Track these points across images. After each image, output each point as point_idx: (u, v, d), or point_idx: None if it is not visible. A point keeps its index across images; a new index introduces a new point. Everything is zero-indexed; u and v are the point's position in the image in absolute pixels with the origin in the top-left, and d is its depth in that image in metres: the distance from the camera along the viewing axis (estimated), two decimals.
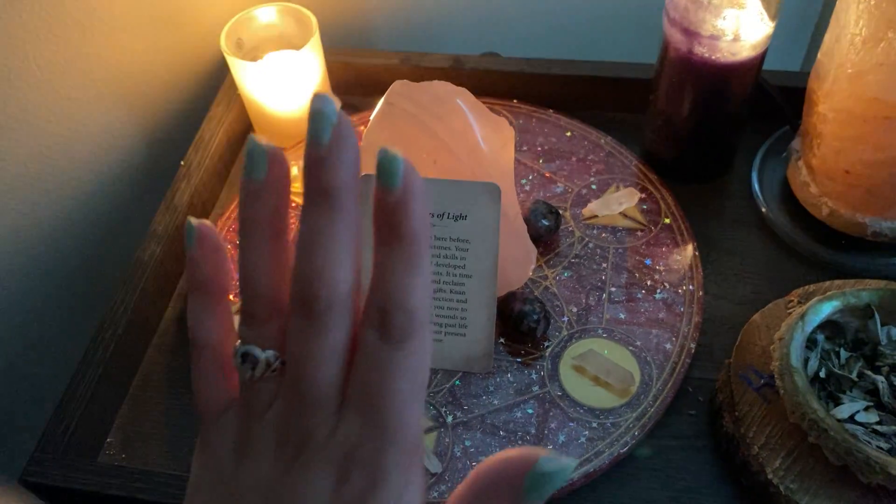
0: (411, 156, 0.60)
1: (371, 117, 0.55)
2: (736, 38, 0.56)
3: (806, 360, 0.49)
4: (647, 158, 0.68)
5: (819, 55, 0.58)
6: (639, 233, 0.63)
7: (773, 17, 0.56)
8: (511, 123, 0.70)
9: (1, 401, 0.63)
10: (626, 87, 0.72)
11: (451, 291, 0.54)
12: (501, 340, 0.57)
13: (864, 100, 0.54)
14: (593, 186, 0.67)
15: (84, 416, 0.53)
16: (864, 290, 0.51)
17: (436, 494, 0.50)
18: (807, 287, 0.55)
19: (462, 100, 0.54)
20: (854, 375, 0.49)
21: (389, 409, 0.24)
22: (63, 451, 0.51)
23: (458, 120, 0.53)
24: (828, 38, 0.57)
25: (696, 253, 0.61)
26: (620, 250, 0.62)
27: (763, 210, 0.65)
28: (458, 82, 0.55)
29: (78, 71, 0.64)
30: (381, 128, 0.54)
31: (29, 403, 0.65)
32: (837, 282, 0.55)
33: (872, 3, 0.51)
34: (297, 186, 0.66)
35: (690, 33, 0.57)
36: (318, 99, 0.24)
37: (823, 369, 0.49)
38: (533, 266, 0.59)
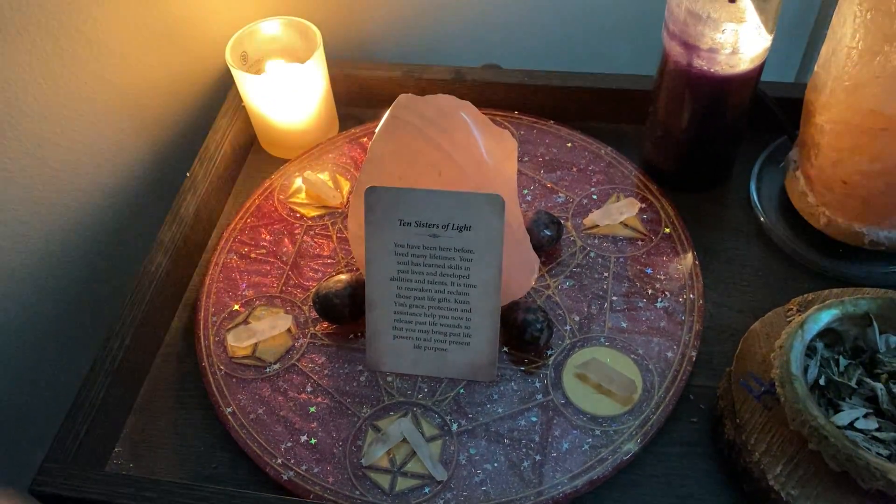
0: (416, 168, 0.60)
1: (376, 130, 0.55)
2: (734, 52, 0.57)
3: (806, 368, 0.50)
4: (648, 169, 0.69)
5: (816, 67, 0.59)
6: (639, 242, 0.64)
7: (770, 31, 0.57)
8: (512, 135, 0.71)
9: (9, 411, 0.63)
10: (625, 99, 0.72)
11: (455, 301, 0.55)
12: (505, 349, 0.58)
13: (862, 111, 0.55)
14: (594, 197, 0.67)
15: (92, 425, 0.53)
16: (862, 299, 0.51)
17: (441, 502, 0.51)
18: (806, 296, 0.56)
19: (466, 113, 0.54)
20: (853, 383, 0.49)
21: None
22: (72, 461, 0.52)
23: (462, 132, 0.54)
24: (824, 50, 0.58)
25: (696, 262, 0.62)
26: (621, 259, 0.63)
27: (762, 219, 0.65)
28: (459, 94, 0.56)
29: (84, 84, 0.64)
30: (387, 140, 0.55)
31: (37, 414, 0.65)
32: (836, 290, 0.56)
33: (868, 17, 0.52)
34: (300, 197, 0.67)
35: (690, 46, 0.58)
36: None
37: (823, 377, 0.50)
38: (535, 275, 0.59)
